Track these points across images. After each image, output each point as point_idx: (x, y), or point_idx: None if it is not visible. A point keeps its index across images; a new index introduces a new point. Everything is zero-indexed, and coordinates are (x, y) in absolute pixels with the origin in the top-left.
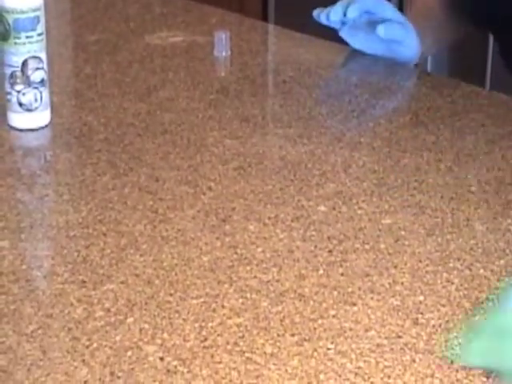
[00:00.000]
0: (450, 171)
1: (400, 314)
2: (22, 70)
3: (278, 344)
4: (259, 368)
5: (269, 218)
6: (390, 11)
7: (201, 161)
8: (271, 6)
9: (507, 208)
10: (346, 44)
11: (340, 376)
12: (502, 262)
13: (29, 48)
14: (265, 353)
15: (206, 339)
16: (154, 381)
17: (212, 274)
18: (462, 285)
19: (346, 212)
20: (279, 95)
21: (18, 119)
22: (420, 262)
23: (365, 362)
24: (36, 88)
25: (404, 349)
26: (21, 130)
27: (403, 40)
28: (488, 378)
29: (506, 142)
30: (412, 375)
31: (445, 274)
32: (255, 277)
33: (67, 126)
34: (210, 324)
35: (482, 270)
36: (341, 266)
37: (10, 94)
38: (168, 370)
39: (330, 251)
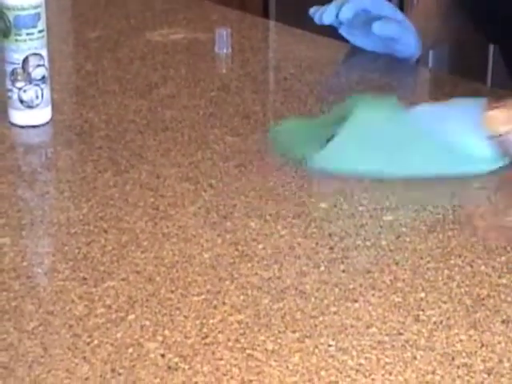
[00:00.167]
0: None
1: (401, 310)
2: (23, 67)
3: (279, 341)
4: (260, 365)
5: (270, 215)
6: (388, 9)
7: (202, 158)
8: (272, 2)
9: (508, 205)
10: (347, 41)
11: (341, 373)
12: (503, 258)
13: (30, 45)
14: (266, 349)
15: (207, 336)
16: (155, 377)
17: (213, 271)
18: (463, 281)
19: (347, 209)
20: (280, 92)
21: (18, 116)
22: (421, 258)
23: (366, 358)
24: (37, 85)
25: (405, 345)
26: (22, 127)
27: (400, 38)
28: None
29: None
30: (413, 372)
31: (446, 271)
32: (256, 274)
33: (68, 123)
34: (211, 321)
35: (483, 267)
36: (342, 262)
37: (10, 91)
38: (169, 367)
39: (331, 248)
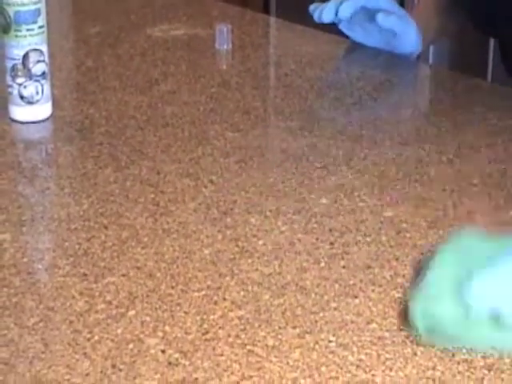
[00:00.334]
0: (451, 164)
1: (402, 306)
2: (23, 63)
3: (279, 336)
4: (261, 360)
5: (270, 211)
6: (388, 5)
7: (202, 154)
8: None
9: (509, 200)
10: (347, 37)
11: (341, 368)
12: None
13: (30, 41)
14: (266, 345)
15: (207, 332)
16: (156, 373)
17: (213, 267)
18: None
19: (347, 204)
20: (281, 88)
21: (19, 112)
22: (421, 254)
23: (366, 354)
24: (37, 81)
25: (405, 341)
26: (22, 123)
27: (401, 34)
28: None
29: (507, 135)
30: (413, 368)
31: None
32: (256, 269)
33: (68, 119)
34: (211, 317)
35: None
36: (342, 258)
37: (11, 86)
38: (169, 363)
39: (331, 244)
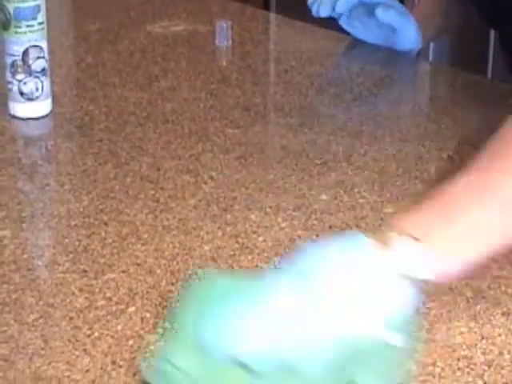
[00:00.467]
0: (451, 160)
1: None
2: (23, 59)
3: None
4: None
5: (270, 207)
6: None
7: (202, 150)
8: None
9: None
10: (347, 33)
11: None
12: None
13: (29, 37)
14: None
15: None
16: None
17: (213, 263)
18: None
19: (347, 201)
20: (281, 84)
21: (19, 108)
22: None
23: None
24: (37, 77)
25: None
26: (22, 120)
27: (401, 29)
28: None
29: None
30: (414, 363)
31: None
32: (257, 266)
33: (68, 115)
34: None
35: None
36: None
37: (11, 83)
38: None
39: None
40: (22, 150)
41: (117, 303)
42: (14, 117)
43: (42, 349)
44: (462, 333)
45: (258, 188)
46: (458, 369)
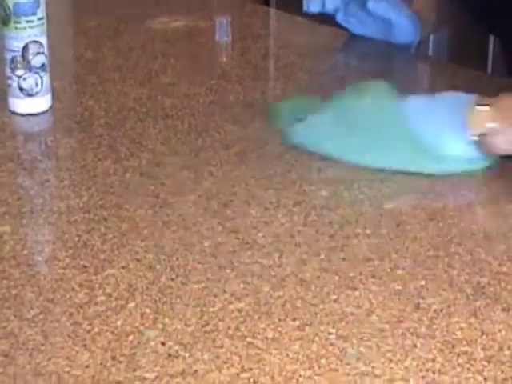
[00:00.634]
0: None
1: (401, 298)
2: (23, 55)
3: (279, 329)
4: (260, 352)
5: (270, 203)
6: None
7: (202, 146)
8: None
9: (509, 192)
10: (347, 28)
11: (341, 360)
12: (503, 246)
13: (29, 32)
14: (266, 337)
15: (207, 324)
16: (156, 365)
17: (213, 259)
18: (463, 269)
19: (347, 197)
20: (280, 79)
21: (18, 104)
22: (421, 246)
23: (366, 346)
24: (37, 73)
25: (405, 333)
26: (22, 115)
27: (396, 21)
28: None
29: None
30: (413, 360)
31: (446, 259)
32: (256, 262)
33: (68, 111)
34: (211, 309)
35: (483, 255)
36: (342, 250)
37: (10, 78)
38: (169, 355)
39: (331, 236)
40: (22, 145)
41: (116, 299)
42: (13, 112)
43: (42, 344)
44: (461, 328)
45: (258, 184)
46: (458, 365)
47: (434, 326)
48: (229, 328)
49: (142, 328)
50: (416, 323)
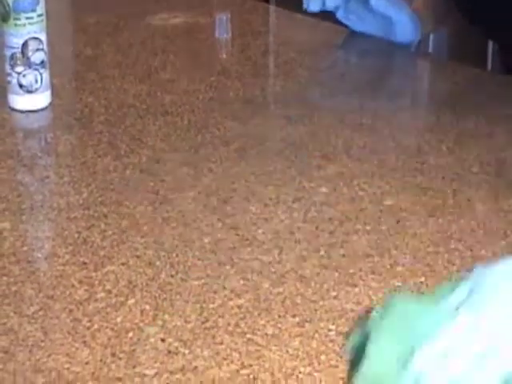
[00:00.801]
0: (451, 152)
1: (401, 295)
2: (23, 52)
3: (279, 325)
4: (260, 349)
5: (270, 199)
6: None
7: (202, 142)
8: None
9: (509, 189)
10: (347, 26)
11: (341, 357)
12: (503, 243)
13: (29, 29)
14: (266, 334)
15: (207, 320)
16: (155, 362)
17: (213, 256)
18: (463, 266)
19: (347, 193)
20: (280, 76)
21: (18, 101)
22: (421, 243)
23: None
24: (36, 69)
25: None
26: (21, 112)
27: (396, 19)
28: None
29: (507, 123)
30: None
31: (446, 255)
32: (256, 258)
33: (68, 107)
34: (210, 305)
35: (483, 251)
36: (342, 247)
37: (10, 75)
38: (169, 351)
39: (331, 232)
40: (22, 142)
41: (116, 295)
42: (13, 109)
43: (42, 341)
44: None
45: (258, 180)
46: None
47: None
48: (228, 324)
49: (141, 324)
50: None
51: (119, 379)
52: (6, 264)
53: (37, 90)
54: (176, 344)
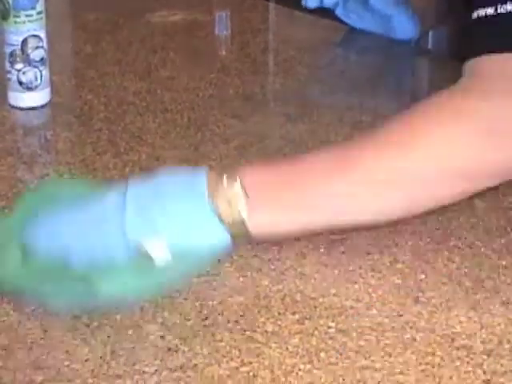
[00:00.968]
0: None
1: (401, 292)
2: (22, 49)
3: (278, 322)
4: (260, 346)
5: None
6: None
7: (201, 140)
8: None
9: (508, 186)
10: (346, 23)
11: (341, 354)
12: (503, 240)
13: (28, 27)
14: (266, 331)
15: (206, 318)
16: (155, 359)
17: None
18: (462, 263)
19: None
20: (280, 74)
21: (18, 98)
22: (421, 240)
23: (365, 340)
24: (36, 67)
25: (405, 327)
26: (21, 109)
27: (396, 17)
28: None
29: None
30: (413, 353)
31: (446, 253)
32: (256, 255)
33: (67, 105)
34: (210, 303)
35: (483, 249)
36: (341, 244)
37: (10, 72)
38: (169, 349)
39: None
40: (21, 139)
41: None
42: (12, 106)
43: (42, 338)
44: (461, 322)
45: None
46: (458, 358)
47: (434, 320)
48: (228, 322)
49: (141, 322)
50: (415, 317)
51: (119, 376)
52: None
53: (36, 87)
54: (176, 341)
